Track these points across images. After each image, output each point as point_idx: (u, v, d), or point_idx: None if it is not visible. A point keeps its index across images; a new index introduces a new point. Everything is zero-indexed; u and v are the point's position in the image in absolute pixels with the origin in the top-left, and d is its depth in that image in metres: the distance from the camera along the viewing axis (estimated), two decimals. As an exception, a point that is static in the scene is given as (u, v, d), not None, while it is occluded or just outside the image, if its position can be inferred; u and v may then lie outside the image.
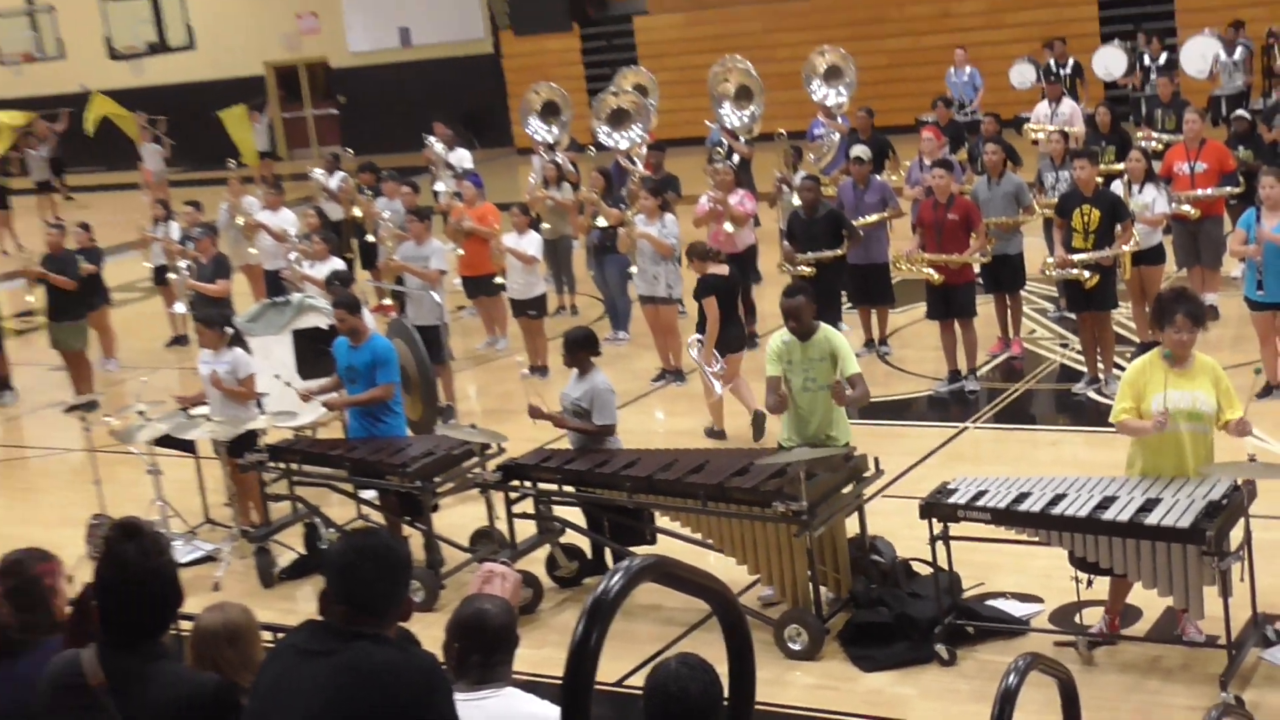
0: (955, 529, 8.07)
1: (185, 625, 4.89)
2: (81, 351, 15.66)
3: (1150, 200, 13.05)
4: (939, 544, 8.09)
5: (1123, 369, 9.43)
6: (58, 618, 4.74)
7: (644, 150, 17.53)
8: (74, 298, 15.56)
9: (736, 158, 17.35)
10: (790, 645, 8.28)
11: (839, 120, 18.68)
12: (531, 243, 14.94)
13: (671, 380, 14.17)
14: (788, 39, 26.69)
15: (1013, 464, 10.77)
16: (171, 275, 16.64)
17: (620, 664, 8.00)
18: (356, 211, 17.86)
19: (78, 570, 6.90)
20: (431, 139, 20.49)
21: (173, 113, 31.26)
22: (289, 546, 10.64)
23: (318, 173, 19.42)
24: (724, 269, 12.63)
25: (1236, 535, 7.49)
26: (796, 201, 14.17)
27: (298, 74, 36.24)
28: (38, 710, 4.08)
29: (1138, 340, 12.99)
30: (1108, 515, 7.50)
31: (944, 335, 13.10)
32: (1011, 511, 7.82)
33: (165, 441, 11.05)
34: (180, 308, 16.49)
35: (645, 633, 8.37)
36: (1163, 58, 22.36)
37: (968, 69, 22.89)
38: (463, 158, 20.01)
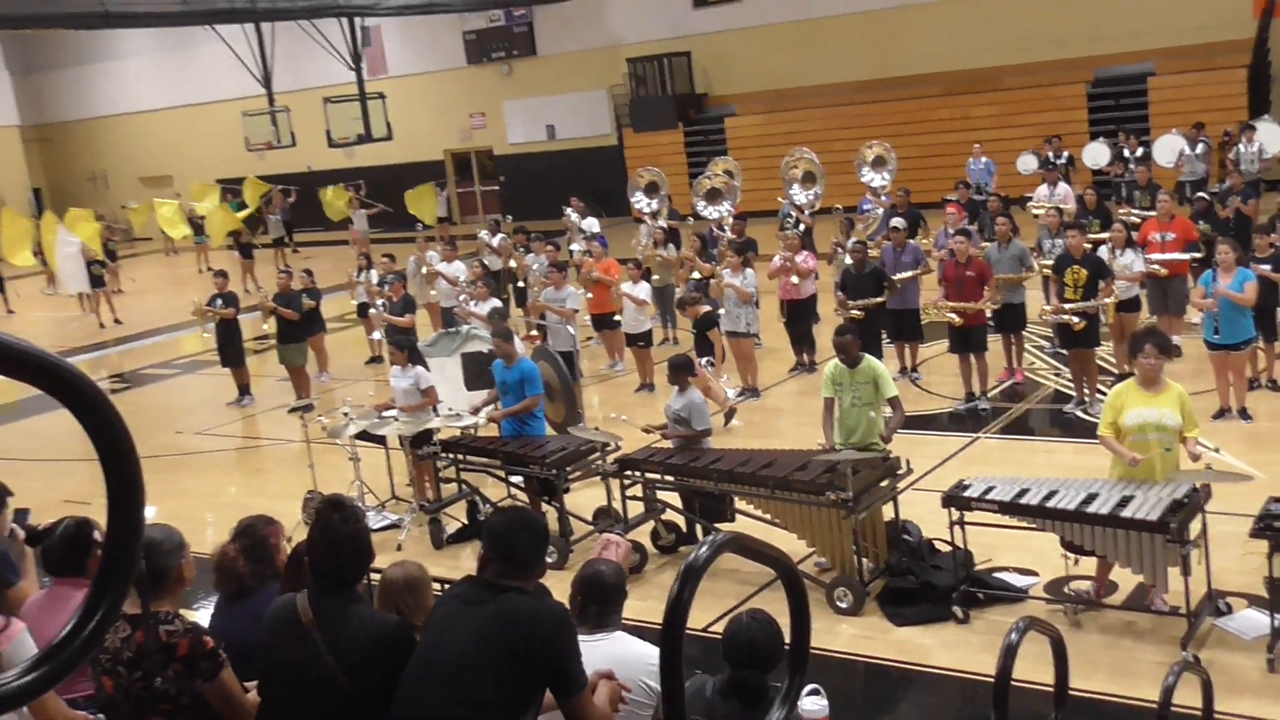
0: (969, 516, 7.94)
1: (375, 577, 4.91)
2: (302, 367, 15.87)
3: (1129, 262, 12.83)
4: (956, 528, 7.97)
5: (1104, 394, 9.22)
6: (278, 568, 4.79)
7: (731, 219, 17.49)
8: (297, 326, 15.77)
9: (802, 226, 17.26)
10: (839, 603, 8.18)
11: (882, 198, 18.52)
12: (643, 290, 14.94)
13: (749, 396, 14.09)
14: (844, 135, 26.51)
15: (1015, 467, 10.58)
16: (371, 310, 16.84)
17: (707, 614, 7.94)
18: (512, 263, 17.99)
19: (295, 532, 6.99)
20: (568, 210, 20.60)
21: (374, 188, 31.74)
22: (455, 518, 10.69)
23: (483, 234, 19.61)
24: (709, 307, 13.01)
25: (1195, 527, 7.30)
26: (848, 261, 14.06)
27: (470, 159, 36.65)
28: (262, 639, 4.11)
29: (1117, 371, 12.73)
30: (1092, 509, 7.35)
31: (962, 365, 12.93)
32: (1014, 504, 7.68)
33: (363, 436, 11.15)
34: (377, 335, 16.69)
35: (726, 590, 8.30)
36: (1139, 151, 21.91)
37: (983, 159, 22.60)
38: (592, 224, 20.08)
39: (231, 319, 16.01)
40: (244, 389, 16.57)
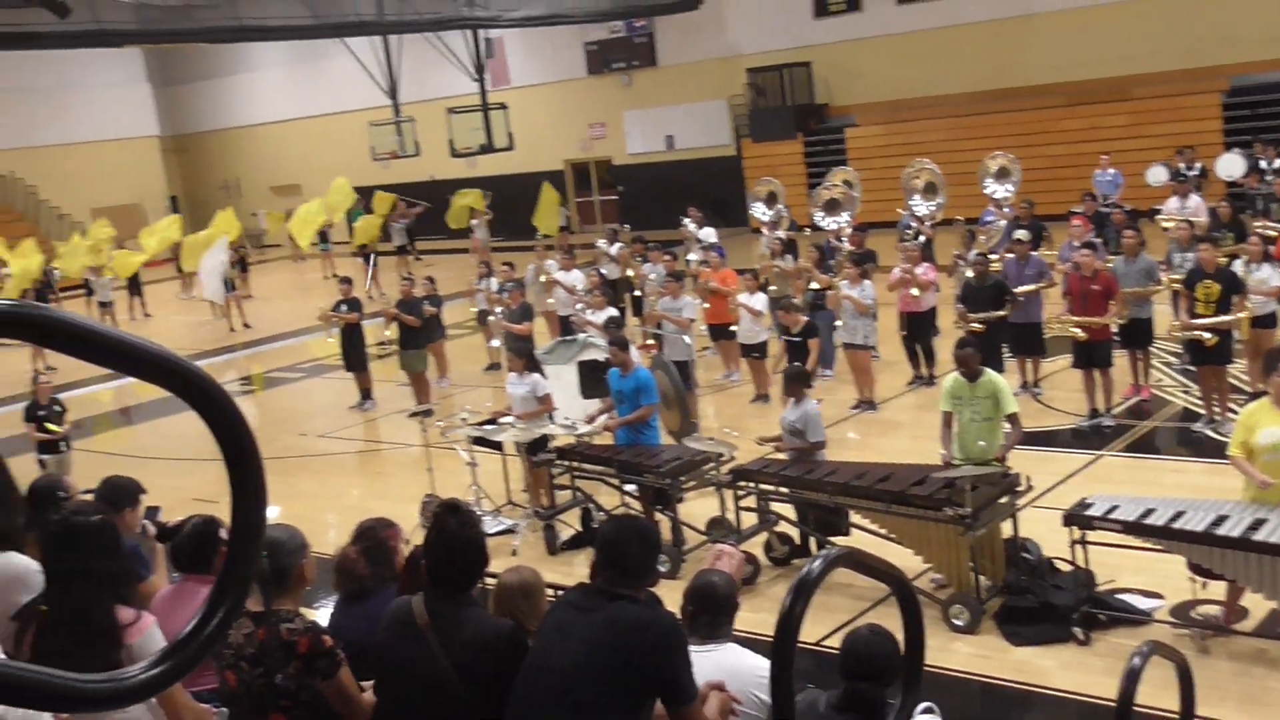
0: (1091, 536, 7.74)
1: (490, 581, 4.96)
2: (422, 373, 16.12)
3: (1266, 276, 12.38)
4: (1077, 547, 7.78)
5: (1235, 413, 8.93)
6: (397, 571, 4.85)
7: (850, 230, 17.34)
8: (418, 332, 16.04)
9: (923, 238, 17.02)
10: (955, 621, 8.05)
11: (1005, 210, 18.19)
12: (759, 301, 14.87)
13: (865, 409, 13.94)
14: (966, 146, 26.09)
15: (1140, 486, 10.28)
16: (490, 317, 17.04)
17: (820, 628, 7.87)
18: (630, 273, 18.08)
19: (413, 535, 7.06)
20: (686, 220, 20.62)
21: (498, 196, 32.15)
22: (569, 524, 10.75)
23: (600, 243, 19.74)
24: (806, 318, 13.35)
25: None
26: (969, 273, 13.83)
27: (589, 169, 36.92)
28: (379, 639, 4.17)
29: (1250, 390, 12.30)
30: (1222, 530, 7.11)
31: (1086, 381, 12.63)
32: (1139, 524, 7.46)
33: (480, 441, 11.29)
34: (495, 342, 16.89)
35: (840, 604, 8.22)
36: (1277, 162, 21.17)
37: (1110, 170, 22.05)
38: (710, 234, 20.08)
39: (355, 324, 16.35)
40: (366, 393, 16.90)
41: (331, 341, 17.04)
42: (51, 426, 12.58)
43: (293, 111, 42.47)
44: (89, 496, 5.56)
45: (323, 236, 31.78)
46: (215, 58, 42.64)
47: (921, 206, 18.04)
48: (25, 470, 10.49)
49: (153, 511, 5.65)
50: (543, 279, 17.99)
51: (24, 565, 4.04)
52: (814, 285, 15.47)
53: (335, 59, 36.04)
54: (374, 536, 4.98)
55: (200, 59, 43.15)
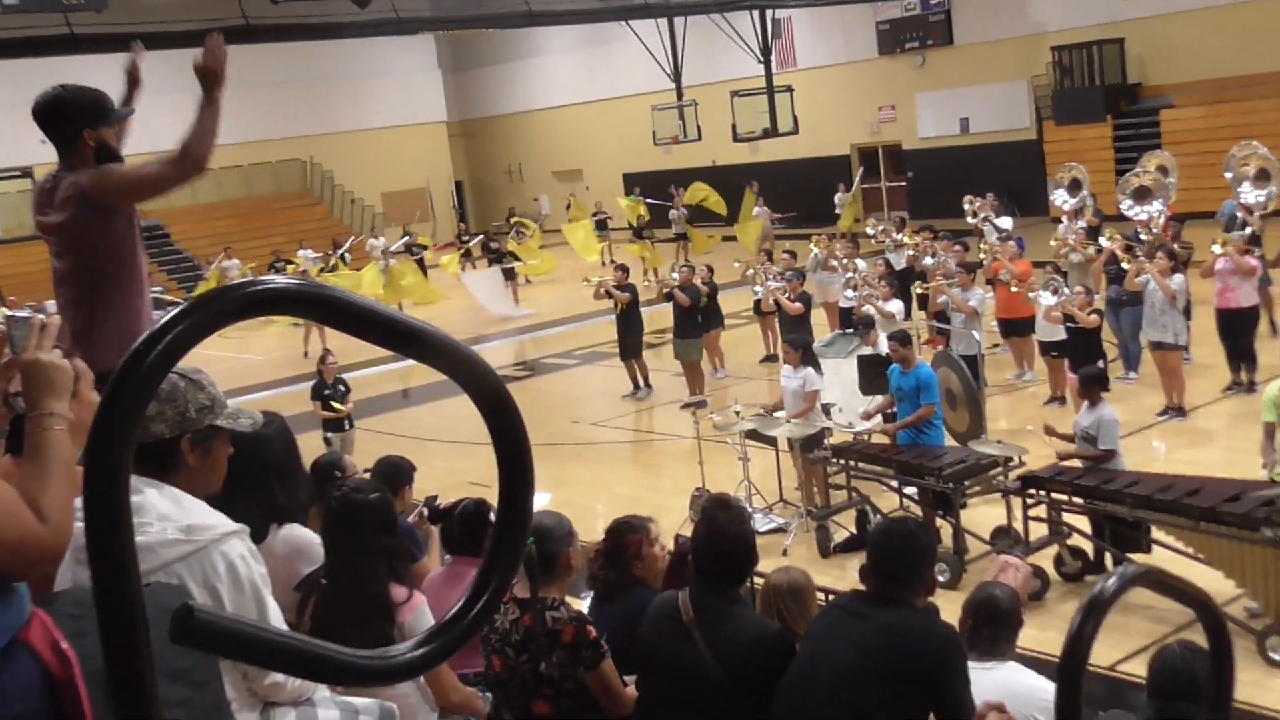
0: None
1: (758, 581, 4.97)
2: (697, 363, 16.31)
3: None
4: None
5: None
6: (634, 576, 4.82)
7: (1162, 219, 16.52)
8: (694, 322, 16.23)
9: (1249, 229, 16.02)
10: (1272, 655, 7.56)
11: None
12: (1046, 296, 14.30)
13: (1174, 416, 13.22)
14: (1301, 128, 24.38)
15: None
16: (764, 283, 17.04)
17: (1114, 651, 7.54)
18: (928, 259, 17.63)
19: (682, 529, 7.15)
20: (978, 206, 20.00)
21: (781, 182, 32.12)
22: (843, 526, 10.67)
23: (879, 230, 19.50)
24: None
25: None
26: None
27: (877, 154, 36.46)
28: (643, 633, 4.25)
29: None
30: None
31: None
32: None
33: (753, 435, 11.34)
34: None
35: (1138, 627, 7.84)
36: None
37: None
38: (1005, 223, 19.48)
39: (630, 308, 16.68)
40: (641, 381, 17.23)
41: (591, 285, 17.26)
42: (336, 405, 13.36)
43: (576, 96, 43.67)
44: (367, 475, 5.89)
45: (601, 225, 32.53)
46: (504, 43, 44.28)
47: (1251, 194, 16.97)
48: (312, 447, 11.22)
49: (431, 500, 5.92)
50: (820, 271, 17.90)
51: (306, 538, 4.32)
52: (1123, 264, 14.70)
53: (620, 43, 36.84)
54: (616, 538, 4.96)
55: (489, 44, 44.90)
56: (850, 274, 16.67)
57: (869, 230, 19.68)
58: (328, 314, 1.54)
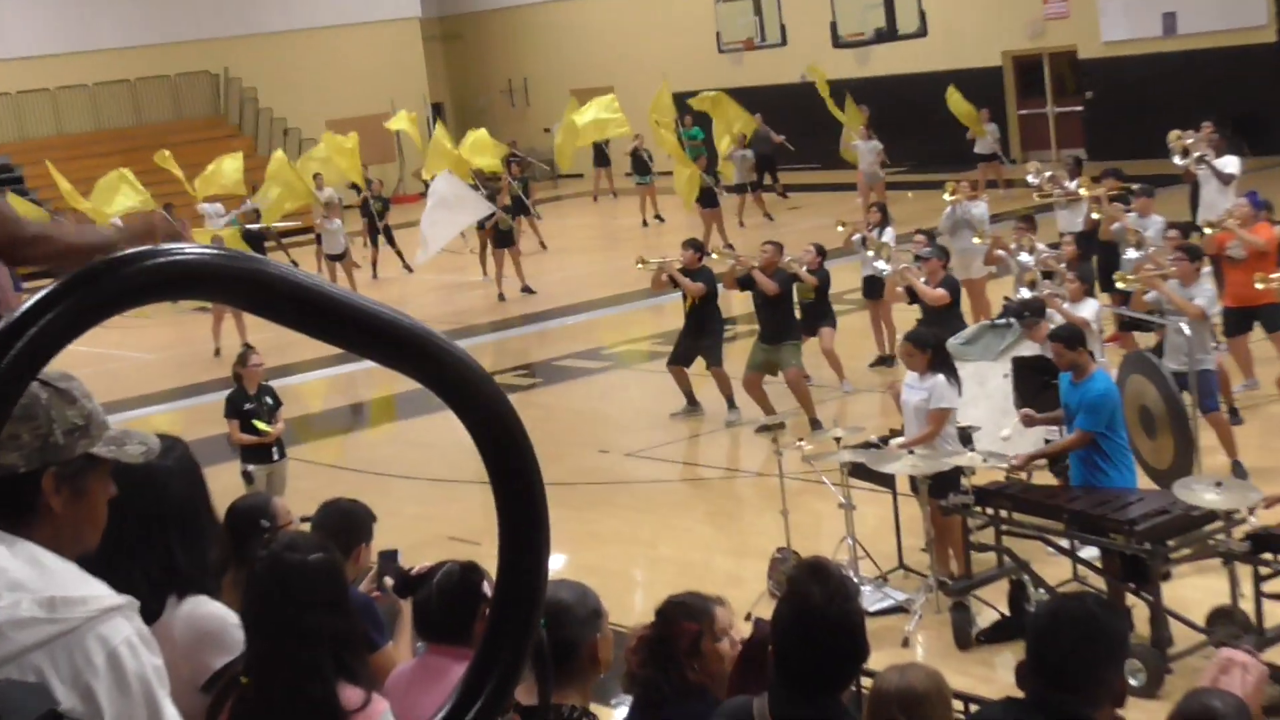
0: None
1: (866, 682, 4.96)
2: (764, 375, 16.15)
3: None
4: None
5: None
6: (689, 683, 4.80)
7: None
8: (782, 316, 16.04)
9: None
10: None
11: None
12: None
13: None
14: None
15: None
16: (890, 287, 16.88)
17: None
18: (1116, 225, 17.35)
19: (756, 608, 7.15)
20: (1191, 135, 19.69)
21: (899, 106, 31.99)
22: (991, 605, 10.61)
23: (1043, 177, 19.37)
24: None
25: None
26: None
27: (1041, 66, 36.27)
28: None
29: None
30: None
31: None
32: None
33: (859, 472, 11.29)
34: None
35: None
36: None
37: None
38: (1230, 163, 19.23)
39: (706, 301, 16.33)
40: (693, 396, 17.06)
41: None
42: (261, 425, 13.36)
43: (609, -19, 43.77)
44: (306, 526, 5.91)
45: (641, 167, 32.49)
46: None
47: None
48: (228, 485, 11.28)
49: (388, 556, 5.93)
50: (972, 236, 17.82)
51: (217, 617, 4.32)
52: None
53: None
54: (665, 625, 4.91)
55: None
56: (1026, 256, 15.87)
57: (1029, 178, 19.48)
58: (258, 296, 1.53)
